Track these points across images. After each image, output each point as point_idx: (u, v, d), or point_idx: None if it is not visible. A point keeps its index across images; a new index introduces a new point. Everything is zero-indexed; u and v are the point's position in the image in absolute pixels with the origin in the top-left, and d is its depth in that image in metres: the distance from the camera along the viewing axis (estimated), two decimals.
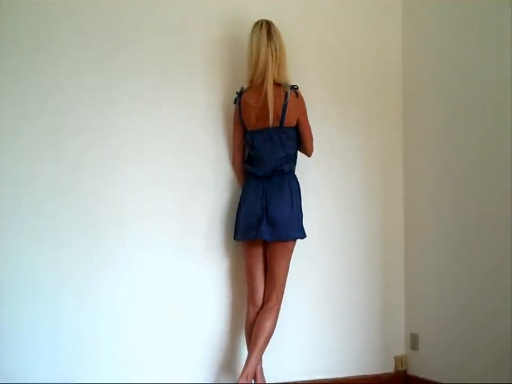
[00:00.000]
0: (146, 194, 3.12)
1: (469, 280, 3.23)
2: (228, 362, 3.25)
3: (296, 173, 3.17)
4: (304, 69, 3.43)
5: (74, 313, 2.97)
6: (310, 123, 3.17)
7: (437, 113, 3.48)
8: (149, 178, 3.13)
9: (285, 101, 3.02)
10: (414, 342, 3.58)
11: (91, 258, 3.01)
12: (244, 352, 3.19)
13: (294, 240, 3.09)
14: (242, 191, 3.15)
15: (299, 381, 3.37)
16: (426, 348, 3.51)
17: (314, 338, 3.46)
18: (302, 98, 3.12)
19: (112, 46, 3.09)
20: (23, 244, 2.91)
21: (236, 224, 3.14)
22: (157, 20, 3.19)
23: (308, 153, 3.23)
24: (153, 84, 3.16)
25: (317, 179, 3.48)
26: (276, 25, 3.09)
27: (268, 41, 3.03)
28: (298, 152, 3.19)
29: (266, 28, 3.05)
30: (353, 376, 3.49)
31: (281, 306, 3.09)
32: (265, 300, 3.08)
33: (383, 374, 3.59)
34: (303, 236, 3.10)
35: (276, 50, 3.04)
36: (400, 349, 3.66)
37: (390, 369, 3.63)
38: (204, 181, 3.24)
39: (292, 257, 3.11)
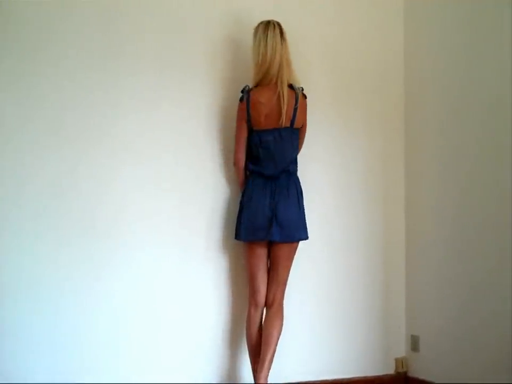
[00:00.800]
0: (146, 194, 3.12)
1: (469, 281, 3.22)
2: (228, 362, 3.25)
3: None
4: (307, 69, 3.42)
5: (74, 313, 2.97)
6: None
7: (438, 113, 3.47)
8: (149, 178, 3.13)
9: (296, 103, 3.02)
10: (414, 343, 3.57)
11: (91, 258, 3.01)
12: (244, 351, 3.19)
13: (299, 241, 3.10)
14: (246, 190, 3.10)
15: (299, 382, 3.36)
16: (427, 349, 3.50)
17: (315, 339, 3.46)
18: (306, 101, 3.12)
19: (112, 46, 3.09)
20: (23, 244, 2.91)
21: (238, 224, 3.10)
22: (157, 20, 3.19)
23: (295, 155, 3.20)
24: (153, 84, 3.16)
25: (318, 179, 3.48)
26: None
27: (282, 41, 3.03)
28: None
29: (278, 29, 3.04)
30: (353, 377, 3.49)
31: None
32: (270, 302, 3.08)
33: (383, 375, 3.59)
34: (307, 237, 3.11)
35: (288, 52, 3.05)
36: (401, 350, 3.65)
37: (391, 370, 3.62)
38: (203, 180, 3.24)
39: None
